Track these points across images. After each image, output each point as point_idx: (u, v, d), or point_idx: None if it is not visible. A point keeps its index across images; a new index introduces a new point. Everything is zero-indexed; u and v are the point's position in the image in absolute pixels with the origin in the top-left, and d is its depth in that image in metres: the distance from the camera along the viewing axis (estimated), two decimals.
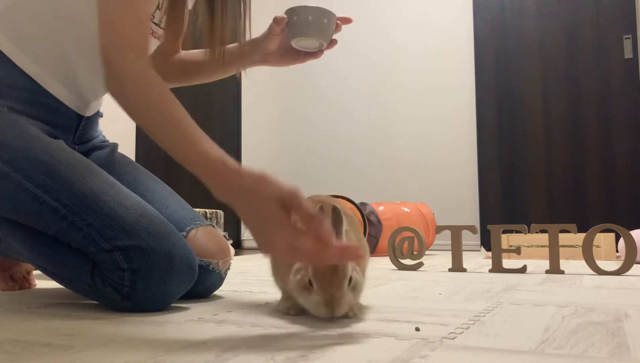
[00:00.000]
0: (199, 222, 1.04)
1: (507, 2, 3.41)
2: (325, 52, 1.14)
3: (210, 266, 1.00)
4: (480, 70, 3.45)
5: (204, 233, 1.02)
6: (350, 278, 0.72)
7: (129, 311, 0.86)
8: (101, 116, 1.22)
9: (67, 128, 1.06)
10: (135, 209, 0.88)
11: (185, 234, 0.99)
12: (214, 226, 1.08)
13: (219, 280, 1.06)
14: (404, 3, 3.81)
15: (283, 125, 4.13)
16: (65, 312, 0.88)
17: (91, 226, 0.84)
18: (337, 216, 0.73)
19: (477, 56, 3.46)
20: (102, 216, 0.84)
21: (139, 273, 0.83)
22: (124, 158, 1.20)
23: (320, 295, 0.70)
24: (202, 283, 1.00)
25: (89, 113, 1.10)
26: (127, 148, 2.75)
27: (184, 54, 1.22)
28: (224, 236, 1.10)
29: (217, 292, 1.14)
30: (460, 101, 3.60)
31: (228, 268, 1.07)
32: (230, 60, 1.12)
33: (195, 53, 1.20)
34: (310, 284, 0.71)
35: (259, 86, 4.04)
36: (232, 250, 2.37)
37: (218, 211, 1.69)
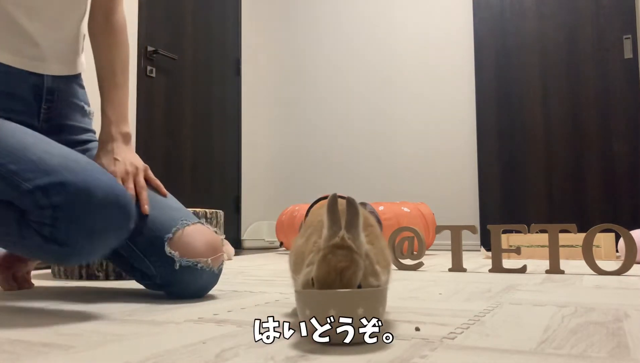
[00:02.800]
0: (186, 221, 1.04)
1: (507, 2, 3.41)
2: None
3: (199, 265, 1.00)
4: (480, 70, 3.45)
5: (192, 232, 1.02)
6: (360, 287, 0.60)
7: (58, 259, 0.87)
8: (91, 115, 1.21)
9: (27, 112, 1.07)
10: (62, 154, 0.88)
11: (171, 235, 1.00)
12: (202, 224, 1.07)
13: (213, 278, 1.05)
14: (404, 3, 3.81)
15: (283, 125, 4.13)
16: (65, 312, 0.88)
17: (14, 173, 0.84)
18: (351, 208, 0.63)
19: (477, 56, 3.46)
20: (25, 162, 0.84)
21: (60, 209, 0.82)
22: None
23: None
24: (194, 283, 1.01)
25: (51, 71, 1.10)
26: None
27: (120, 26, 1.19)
28: (215, 231, 1.08)
29: (216, 292, 1.14)
30: (460, 100, 3.60)
31: (222, 264, 1.06)
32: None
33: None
34: (313, 284, 0.62)
35: (259, 86, 4.04)
36: (229, 248, 2.37)
37: (218, 211, 1.68)
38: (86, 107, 1.21)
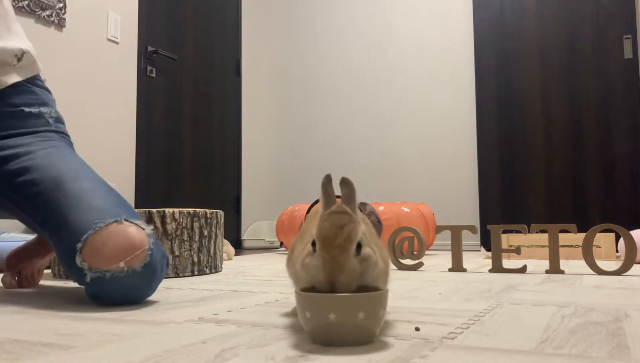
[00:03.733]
0: (99, 223, 0.93)
1: (507, 2, 3.41)
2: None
3: (107, 274, 0.90)
4: (480, 70, 3.45)
5: (103, 236, 0.92)
6: (360, 247, 0.60)
7: None
8: (44, 114, 1.15)
9: None
10: None
11: (81, 244, 0.92)
12: (119, 221, 0.95)
13: (140, 280, 0.93)
14: (404, 3, 3.81)
15: (283, 125, 4.13)
16: (65, 312, 0.88)
17: None
18: (347, 186, 0.65)
19: (477, 56, 3.46)
20: None
21: None
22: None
23: (321, 256, 0.59)
24: (117, 291, 0.93)
25: None
26: (128, 148, 2.75)
27: None
28: (138, 225, 0.96)
29: (217, 292, 1.14)
30: (460, 100, 3.60)
31: (147, 259, 0.93)
32: None
33: None
34: (314, 248, 0.61)
35: (259, 86, 4.05)
36: (229, 248, 2.36)
37: (218, 211, 1.68)
38: (26, 109, 1.12)
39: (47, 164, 1.05)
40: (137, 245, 0.93)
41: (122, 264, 0.91)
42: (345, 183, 0.66)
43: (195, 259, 1.56)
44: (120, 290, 0.93)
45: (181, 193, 3.11)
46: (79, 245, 0.92)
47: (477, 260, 2.20)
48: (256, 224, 3.83)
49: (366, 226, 0.69)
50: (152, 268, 0.94)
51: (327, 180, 0.66)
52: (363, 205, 2.74)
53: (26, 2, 2.26)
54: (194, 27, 3.33)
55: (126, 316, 0.83)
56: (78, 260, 0.92)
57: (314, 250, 0.61)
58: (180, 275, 1.51)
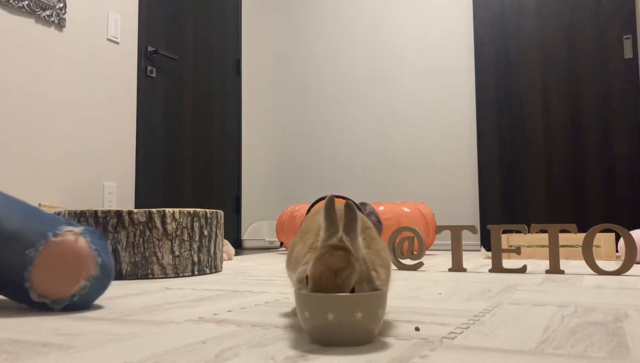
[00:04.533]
0: (31, 253, 0.84)
1: (507, 2, 3.41)
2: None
3: (75, 297, 0.87)
4: (480, 70, 3.45)
5: (44, 267, 0.85)
6: (353, 290, 0.59)
7: None
8: None
9: None
10: None
11: (29, 284, 0.85)
12: (48, 238, 0.86)
13: (103, 278, 0.90)
14: (405, 3, 3.81)
15: (283, 125, 4.13)
16: (65, 312, 0.88)
17: None
18: (350, 212, 0.63)
19: (477, 55, 3.47)
20: None
21: None
22: None
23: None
24: (81, 304, 0.89)
25: None
26: (128, 149, 2.75)
27: None
28: (66, 232, 0.88)
29: (217, 292, 1.14)
30: (460, 100, 3.60)
31: (100, 263, 0.89)
32: None
33: None
34: (307, 282, 0.61)
35: (259, 86, 4.05)
36: (229, 248, 2.37)
37: (218, 211, 1.68)
38: None
39: None
40: (84, 256, 0.87)
41: (82, 282, 0.87)
42: (348, 208, 0.63)
43: (195, 259, 1.56)
44: (90, 298, 0.90)
45: (181, 193, 3.11)
46: (27, 285, 0.85)
47: (477, 260, 2.20)
48: (256, 224, 3.83)
49: (368, 230, 0.69)
50: (107, 262, 0.91)
51: (331, 202, 0.64)
52: (363, 205, 2.74)
53: (26, 2, 2.26)
54: (194, 27, 3.33)
55: (126, 316, 0.83)
56: (34, 297, 0.86)
57: (307, 283, 0.60)
58: (180, 275, 1.51)
